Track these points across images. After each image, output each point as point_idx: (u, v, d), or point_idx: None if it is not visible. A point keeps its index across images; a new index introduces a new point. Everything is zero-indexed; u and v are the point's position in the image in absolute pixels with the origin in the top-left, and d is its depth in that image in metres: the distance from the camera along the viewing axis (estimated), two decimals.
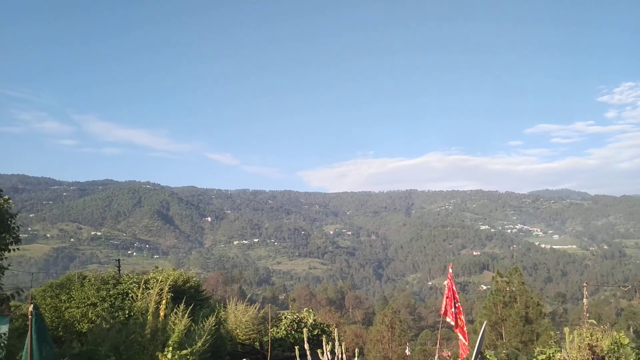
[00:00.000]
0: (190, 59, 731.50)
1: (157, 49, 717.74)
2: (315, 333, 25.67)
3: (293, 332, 26.55)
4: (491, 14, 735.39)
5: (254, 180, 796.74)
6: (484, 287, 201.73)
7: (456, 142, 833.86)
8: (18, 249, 15.97)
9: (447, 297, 15.28)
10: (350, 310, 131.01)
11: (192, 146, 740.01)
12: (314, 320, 28.67)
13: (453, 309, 14.92)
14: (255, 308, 26.03)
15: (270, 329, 26.21)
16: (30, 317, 8.96)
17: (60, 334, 20.07)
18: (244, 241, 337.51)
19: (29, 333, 9.00)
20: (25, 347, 9.28)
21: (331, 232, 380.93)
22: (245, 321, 24.41)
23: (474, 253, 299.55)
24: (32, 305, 8.94)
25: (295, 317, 27.76)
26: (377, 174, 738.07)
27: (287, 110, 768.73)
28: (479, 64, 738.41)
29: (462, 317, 15.15)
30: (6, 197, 15.59)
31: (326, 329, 28.73)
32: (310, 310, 30.60)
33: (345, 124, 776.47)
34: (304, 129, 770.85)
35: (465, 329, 15.22)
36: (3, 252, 15.57)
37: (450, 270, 15.86)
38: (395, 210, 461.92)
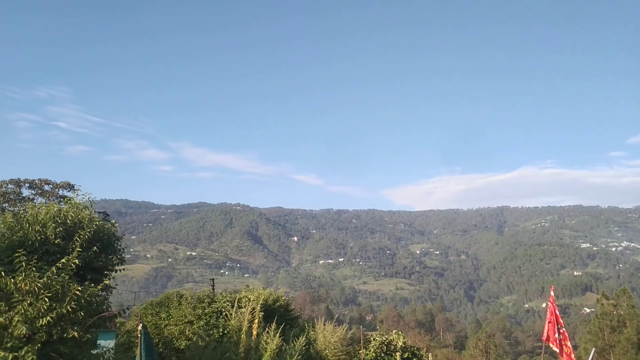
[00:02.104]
0: (278, 88, 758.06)
1: (247, 78, 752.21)
2: (406, 356, 24.93)
3: (383, 355, 26.00)
4: (600, 15, 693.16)
5: (338, 199, 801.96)
6: (587, 310, 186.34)
7: (551, 155, 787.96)
8: (123, 269, 17.17)
9: (549, 322, 14.22)
10: (441, 333, 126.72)
11: (279, 168, 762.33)
12: (404, 342, 27.91)
13: (557, 335, 13.83)
14: (344, 329, 25.84)
15: (360, 350, 25.87)
16: (139, 335, 9.51)
17: (160, 350, 21.12)
18: (330, 260, 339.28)
19: (138, 350, 9.57)
20: None
21: (418, 252, 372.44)
22: (334, 342, 24.27)
23: (575, 273, 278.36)
24: (140, 325, 9.46)
25: (384, 339, 27.21)
26: (466, 190, 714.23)
27: (370, 129, 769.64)
28: (576, 68, 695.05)
29: (568, 343, 14.00)
30: (113, 221, 16.87)
31: (417, 352, 27.85)
32: (400, 332, 29.84)
33: (430, 141, 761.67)
34: (386, 148, 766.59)
35: (573, 356, 14.02)
36: (110, 272, 16.81)
37: (552, 292, 14.77)
38: (486, 228, 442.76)
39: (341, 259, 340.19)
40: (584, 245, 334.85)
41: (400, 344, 26.89)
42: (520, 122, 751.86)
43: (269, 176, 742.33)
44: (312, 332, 24.49)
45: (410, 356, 25.77)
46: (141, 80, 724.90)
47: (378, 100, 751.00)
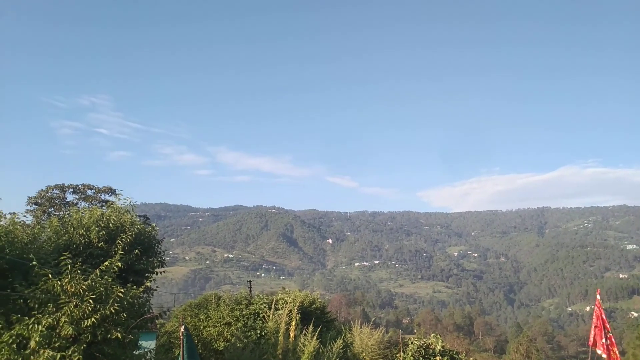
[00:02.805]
0: (312, 91, 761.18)
1: (281, 83, 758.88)
2: None
3: (421, 359, 25.68)
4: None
5: (373, 201, 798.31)
6: (635, 315, 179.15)
7: (594, 154, 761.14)
8: (163, 271, 17.56)
9: (596, 327, 13.71)
10: (480, 337, 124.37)
11: (313, 171, 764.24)
12: (443, 346, 27.48)
13: (604, 340, 13.33)
14: (381, 332, 25.67)
15: (397, 354, 25.62)
16: (181, 337, 9.70)
17: (200, 351, 21.46)
18: (365, 263, 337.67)
19: (180, 352, 9.76)
20: None
21: (455, 254, 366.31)
22: (371, 345, 24.13)
23: (621, 276, 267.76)
24: (183, 327, 9.64)
25: (422, 342, 26.86)
26: (504, 191, 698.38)
27: (405, 130, 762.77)
28: (620, 65, 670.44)
29: (616, 349, 13.47)
30: (153, 224, 17.27)
31: (456, 356, 27.36)
32: (438, 335, 29.39)
33: (468, 140, 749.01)
34: (423, 148, 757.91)
35: None
36: (151, 274, 17.24)
37: (598, 296, 14.24)
38: (526, 229, 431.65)
39: (377, 262, 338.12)
40: (630, 247, 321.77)
41: (438, 347, 26.48)
42: (561, 120, 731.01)
43: (303, 179, 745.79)
44: (349, 335, 24.41)
45: (449, 359, 25.35)
46: (178, 87, 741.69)
47: (408, 99, 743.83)
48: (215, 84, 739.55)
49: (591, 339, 13.76)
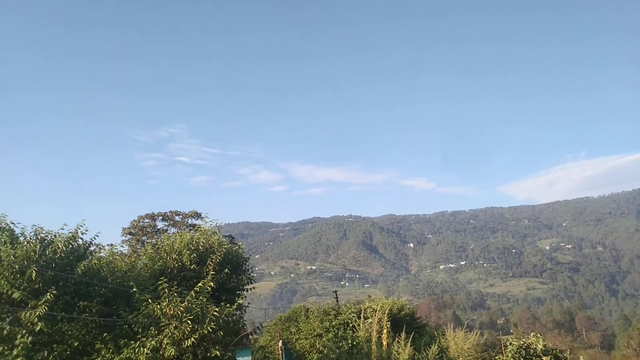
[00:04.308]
0: (375, 96, 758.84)
1: (341, 95, 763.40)
2: None
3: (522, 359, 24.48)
4: None
5: (452, 201, 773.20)
6: None
7: None
8: (253, 287, 18.11)
9: None
10: (584, 333, 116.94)
11: (385, 176, 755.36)
12: (544, 345, 26.03)
13: None
14: (476, 334, 24.80)
15: (496, 356, 24.57)
16: (280, 351, 9.94)
17: None
18: (451, 265, 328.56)
19: None
20: None
21: (547, 248, 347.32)
22: (467, 349, 23.33)
23: None
24: (280, 342, 9.88)
25: (521, 343, 25.62)
26: (594, 176, 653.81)
27: (479, 125, 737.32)
28: None
29: None
30: (239, 243, 17.89)
31: (560, 354, 25.82)
32: (538, 334, 27.88)
33: (548, 126, 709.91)
34: (498, 141, 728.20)
35: None
36: (242, 291, 17.85)
37: None
38: (622, 214, 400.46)
39: (463, 262, 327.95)
40: None
41: (540, 347, 25.13)
42: None
43: (376, 185, 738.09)
44: (442, 340, 23.76)
45: (553, 359, 23.95)
46: (248, 108, 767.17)
47: (487, 92, 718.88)
48: (281, 101, 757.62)
49: None
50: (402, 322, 22.93)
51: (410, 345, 15.68)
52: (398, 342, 15.83)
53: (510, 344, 25.49)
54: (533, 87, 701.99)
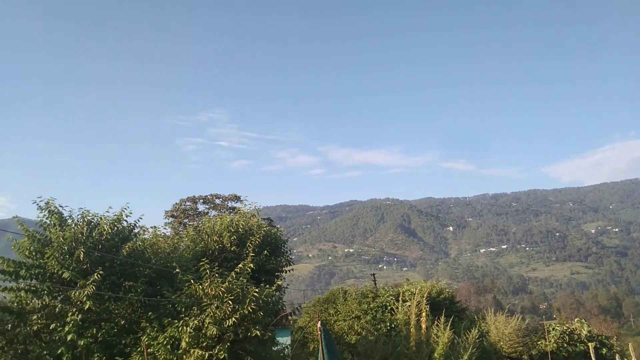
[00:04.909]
0: (413, 78, 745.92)
1: (386, 80, 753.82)
2: (595, 346, 22.59)
3: (565, 345, 23.91)
4: None
5: (493, 183, 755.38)
6: None
7: None
8: (292, 269, 18.34)
9: None
10: (632, 320, 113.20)
11: (425, 158, 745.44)
12: (589, 331, 25.36)
13: None
14: (517, 319, 24.38)
15: (538, 341, 24.11)
16: (319, 332, 10.02)
17: None
18: (492, 248, 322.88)
19: (320, 346, 10.10)
20: None
21: (593, 231, 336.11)
22: (509, 333, 22.98)
23: None
24: (319, 323, 9.95)
25: (565, 328, 25.03)
26: None
27: (521, 104, 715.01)
28: None
29: None
30: (278, 226, 18.09)
31: (605, 341, 25.11)
32: (583, 320, 27.16)
33: (596, 105, 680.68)
34: (542, 120, 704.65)
35: None
36: (280, 273, 18.10)
37: None
38: None
39: (504, 246, 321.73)
40: None
41: (584, 332, 24.52)
42: None
43: (416, 167, 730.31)
44: (483, 324, 23.47)
45: (598, 345, 23.32)
46: (286, 91, 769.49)
47: (520, 78, 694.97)
48: (318, 83, 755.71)
49: None
50: (441, 306, 22.75)
51: (450, 329, 15.52)
52: (437, 325, 15.70)
53: (553, 329, 24.99)
54: (581, 69, 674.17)
